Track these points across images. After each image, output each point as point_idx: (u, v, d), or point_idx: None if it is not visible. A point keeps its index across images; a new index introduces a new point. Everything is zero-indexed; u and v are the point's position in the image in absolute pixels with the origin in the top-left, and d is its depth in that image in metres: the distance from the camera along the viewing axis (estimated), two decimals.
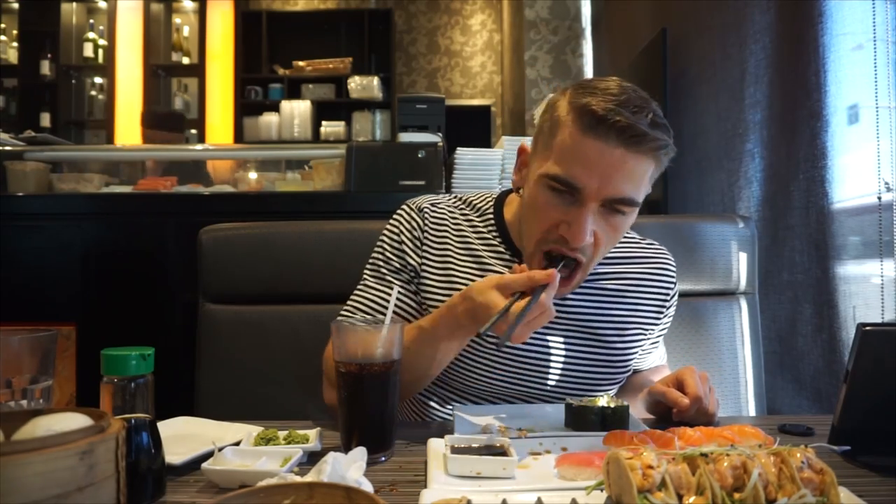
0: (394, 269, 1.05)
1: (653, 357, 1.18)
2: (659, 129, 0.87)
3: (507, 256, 1.04)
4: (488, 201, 1.10)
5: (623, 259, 1.10)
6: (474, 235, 1.06)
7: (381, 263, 1.06)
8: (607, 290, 1.06)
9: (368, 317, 1.02)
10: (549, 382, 1.04)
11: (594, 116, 0.85)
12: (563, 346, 1.04)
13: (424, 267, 1.04)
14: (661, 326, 1.13)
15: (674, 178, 2.21)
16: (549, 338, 1.03)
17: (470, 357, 1.03)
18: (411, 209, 1.08)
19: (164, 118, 3.91)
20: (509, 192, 1.10)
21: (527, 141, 2.02)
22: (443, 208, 1.09)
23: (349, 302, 1.06)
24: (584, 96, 0.87)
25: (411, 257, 1.05)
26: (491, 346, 1.01)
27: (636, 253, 1.11)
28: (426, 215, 1.07)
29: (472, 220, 1.08)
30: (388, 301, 1.01)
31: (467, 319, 0.88)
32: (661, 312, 1.10)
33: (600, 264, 1.05)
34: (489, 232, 1.06)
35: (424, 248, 1.05)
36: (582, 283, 1.02)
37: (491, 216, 1.07)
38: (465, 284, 0.98)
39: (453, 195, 1.13)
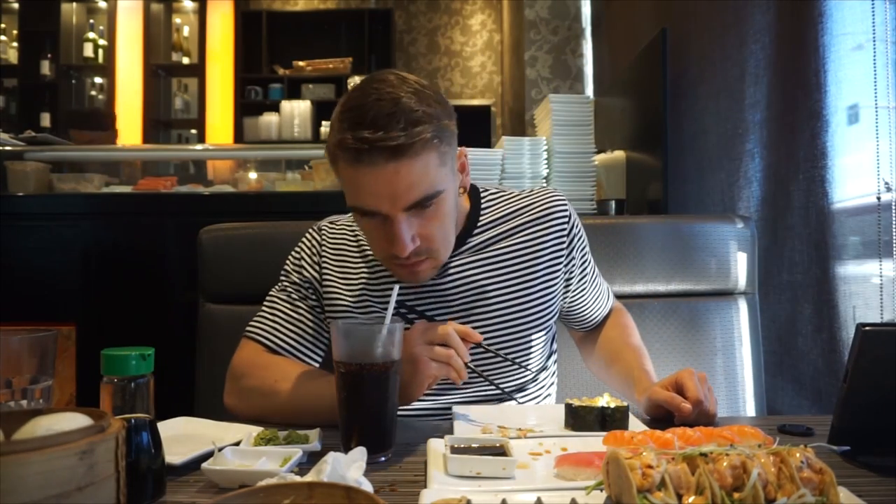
0: (294, 284, 1.14)
1: (595, 304, 1.22)
2: (419, 125, 0.88)
3: None
4: None
5: (505, 217, 1.13)
6: None
7: (284, 279, 1.16)
8: (499, 251, 1.10)
9: (280, 333, 1.10)
10: (486, 359, 1.08)
11: (352, 151, 0.88)
12: (480, 320, 1.07)
13: (325, 278, 1.12)
14: (573, 262, 1.14)
15: (674, 178, 2.21)
16: (462, 321, 1.06)
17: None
18: (313, 230, 1.18)
19: (86, 117, 3.88)
20: None
21: (525, 141, 2.01)
22: (342, 224, 1.18)
23: (258, 318, 1.13)
24: (340, 131, 0.90)
25: (308, 271, 1.14)
26: None
27: (516, 206, 1.14)
28: (324, 233, 1.17)
29: None
30: (291, 310, 1.11)
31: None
32: (563, 245, 1.12)
33: (486, 229, 1.11)
34: None
35: (323, 260, 1.14)
36: (471, 253, 1.09)
37: None
38: (363, 292, 1.09)
39: None
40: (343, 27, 5.81)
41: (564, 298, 1.17)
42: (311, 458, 0.77)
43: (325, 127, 5.29)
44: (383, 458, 0.81)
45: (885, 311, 1.28)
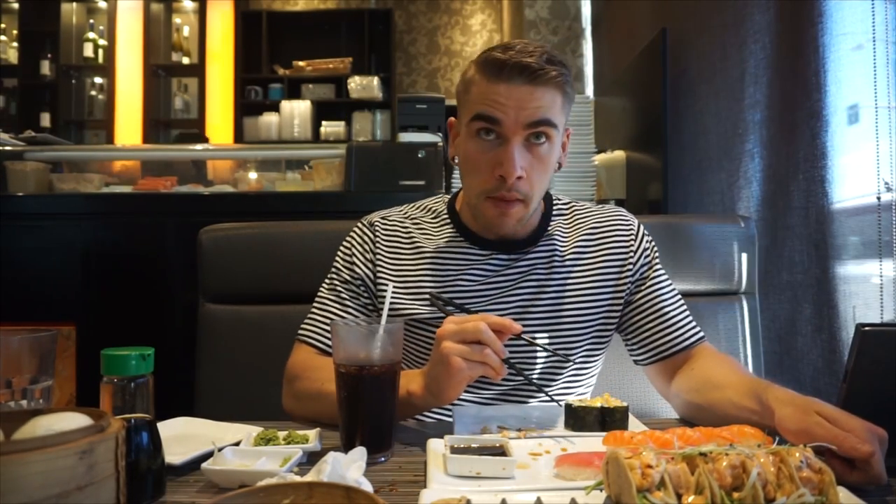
0: (345, 282, 1.13)
1: (678, 328, 1.09)
2: (555, 64, 0.98)
3: (465, 247, 1.11)
4: (439, 203, 1.20)
5: (573, 225, 1.15)
6: (428, 241, 1.13)
7: (335, 277, 1.15)
8: (564, 256, 1.11)
9: (324, 328, 1.10)
10: (533, 362, 1.09)
11: (495, 64, 0.98)
12: (538, 322, 1.08)
13: (379, 276, 1.11)
14: (641, 268, 1.12)
15: (674, 178, 2.21)
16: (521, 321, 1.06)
17: None
18: (363, 225, 1.18)
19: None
20: (460, 191, 1.18)
21: None
22: (394, 220, 1.17)
23: (309, 318, 1.13)
24: (486, 54, 1.01)
25: (360, 268, 1.13)
26: None
27: (585, 215, 1.17)
28: (377, 229, 1.16)
29: (423, 227, 1.16)
30: (341, 310, 1.11)
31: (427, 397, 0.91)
32: (630, 254, 1.12)
33: (555, 234, 1.13)
34: (445, 228, 1.14)
35: (378, 258, 1.13)
36: (538, 255, 1.10)
37: (445, 214, 1.16)
38: (418, 290, 1.08)
39: (407, 205, 1.22)
40: (343, 27, 5.80)
41: (631, 313, 1.12)
42: (311, 458, 0.77)
43: (325, 127, 5.30)
44: (383, 458, 0.81)
45: (885, 311, 1.28)
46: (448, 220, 1.15)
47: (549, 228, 1.13)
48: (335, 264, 1.15)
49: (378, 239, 1.14)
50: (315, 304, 1.14)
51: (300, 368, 1.06)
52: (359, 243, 1.15)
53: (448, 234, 1.13)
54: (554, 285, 1.09)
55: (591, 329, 1.11)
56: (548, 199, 1.15)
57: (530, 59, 0.96)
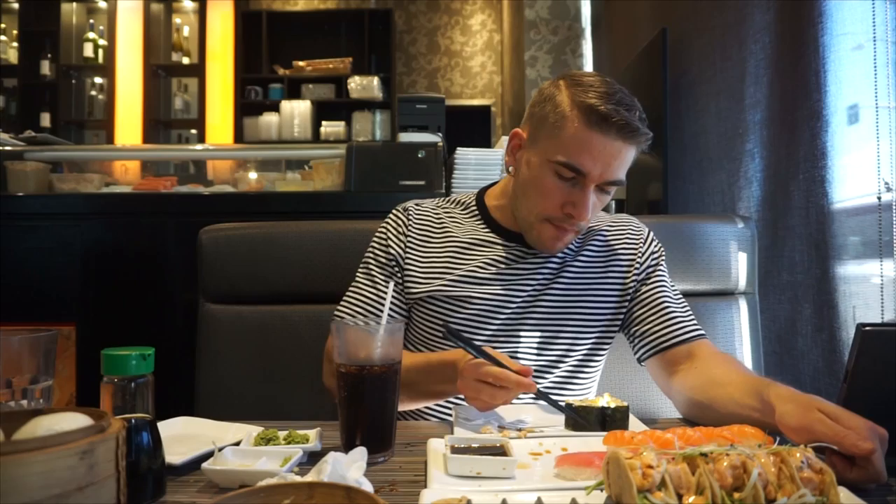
0: (381, 264, 1.18)
1: (678, 322, 1.10)
2: (644, 123, 1.03)
3: (491, 236, 1.17)
4: (471, 196, 1.25)
5: (590, 229, 1.20)
6: (457, 228, 1.20)
7: (370, 260, 1.20)
8: (578, 258, 1.17)
9: (361, 314, 1.15)
10: (537, 352, 1.14)
11: (599, 115, 1.00)
12: (544, 314, 1.14)
13: (408, 258, 1.17)
14: (646, 267, 1.17)
15: (674, 178, 2.21)
16: (529, 328, 1.14)
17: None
18: (398, 209, 1.24)
19: None
20: (488, 186, 1.25)
21: None
22: (426, 207, 1.24)
23: (343, 301, 1.18)
24: (585, 95, 1.02)
25: (394, 248, 1.18)
26: (487, 321, 1.12)
27: (601, 222, 1.22)
28: (410, 213, 1.22)
29: (454, 215, 1.22)
30: (378, 297, 1.14)
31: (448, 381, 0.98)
32: (632, 261, 1.17)
33: (575, 239, 1.17)
34: (473, 219, 1.21)
35: (409, 240, 1.18)
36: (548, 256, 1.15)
37: (475, 207, 1.22)
38: (443, 270, 1.14)
39: (440, 198, 1.28)
40: (343, 27, 5.80)
41: (633, 308, 1.15)
42: (311, 458, 0.77)
43: (325, 127, 5.30)
44: (383, 458, 0.81)
45: (885, 311, 1.28)
46: (476, 213, 1.21)
47: None
48: (371, 247, 1.21)
49: (411, 222, 1.20)
50: (351, 288, 1.19)
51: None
52: (393, 227, 1.20)
53: (476, 225, 1.20)
54: (564, 281, 1.14)
55: (594, 328, 1.15)
56: None
57: (630, 117, 1.00)
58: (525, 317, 1.13)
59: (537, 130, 1.08)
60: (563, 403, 0.95)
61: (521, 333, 1.13)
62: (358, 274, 1.20)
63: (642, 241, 1.19)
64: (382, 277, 1.17)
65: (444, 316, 1.12)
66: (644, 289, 1.16)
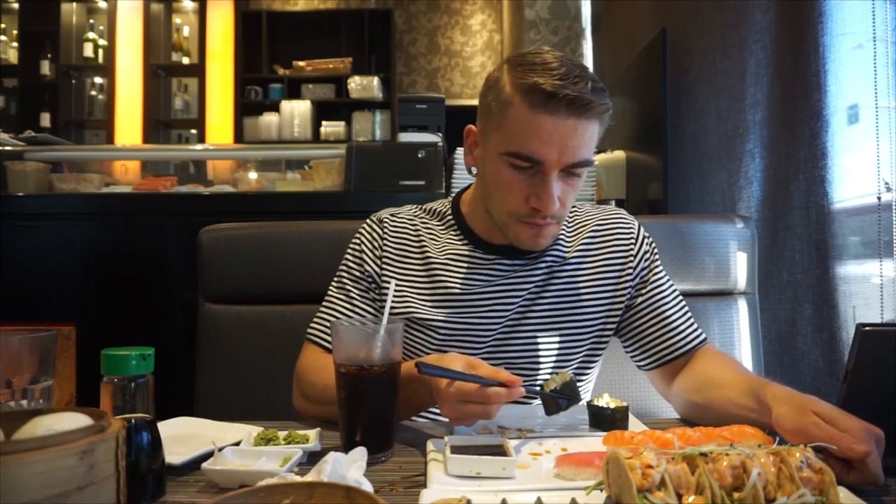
0: (355, 279, 1.11)
1: (680, 332, 1.08)
2: (600, 94, 0.93)
3: (469, 251, 1.09)
4: (446, 204, 1.17)
5: (571, 230, 1.13)
6: (434, 244, 1.12)
7: (344, 274, 1.13)
8: (567, 263, 1.10)
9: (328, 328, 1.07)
10: (532, 365, 1.09)
11: (543, 94, 0.90)
12: (537, 327, 1.08)
13: (385, 276, 1.10)
14: (641, 272, 1.10)
15: (674, 178, 2.21)
16: (521, 330, 1.08)
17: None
18: (373, 221, 1.15)
19: None
20: (463, 191, 1.16)
21: None
22: (403, 218, 1.15)
23: (317, 317, 1.11)
24: (528, 74, 0.92)
25: (369, 265, 1.11)
26: (474, 344, 1.06)
27: (583, 219, 1.15)
28: (386, 227, 1.13)
29: (430, 227, 1.14)
30: (353, 313, 1.09)
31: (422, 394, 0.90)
32: (630, 258, 1.10)
33: (561, 243, 1.10)
34: (450, 232, 1.12)
35: (385, 255, 1.11)
36: (536, 259, 1.08)
37: (451, 217, 1.14)
38: (422, 292, 1.07)
39: (415, 206, 1.19)
40: (343, 27, 5.80)
41: (632, 318, 1.11)
42: (311, 458, 0.77)
43: (325, 127, 5.30)
44: (383, 458, 0.81)
45: (885, 311, 1.28)
46: (453, 223, 1.13)
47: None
48: (344, 261, 1.14)
49: (386, 236, 1.12)
50: (324, 303, 1.12)
51: (307, 369, 1.06)
52: (368, 240, 1.12)
53: (453, 238, 1.11)
54: (554, 289, 1.08)
55: (590, 333, 1.10)
56: None
57: (579, 89, 0.90)
58: (514, 332, 1.07)
59: (486, 122, 1.00)
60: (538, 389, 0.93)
61: (511, 349, 1.07)
62: (331, 288, 1.13)
63: (633, 241, 1.12)
64: (357, 292, 1.10)
65: (424, 340, 1.07)
66: (640, 298, 1.10)
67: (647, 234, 1.15)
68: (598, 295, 1.09)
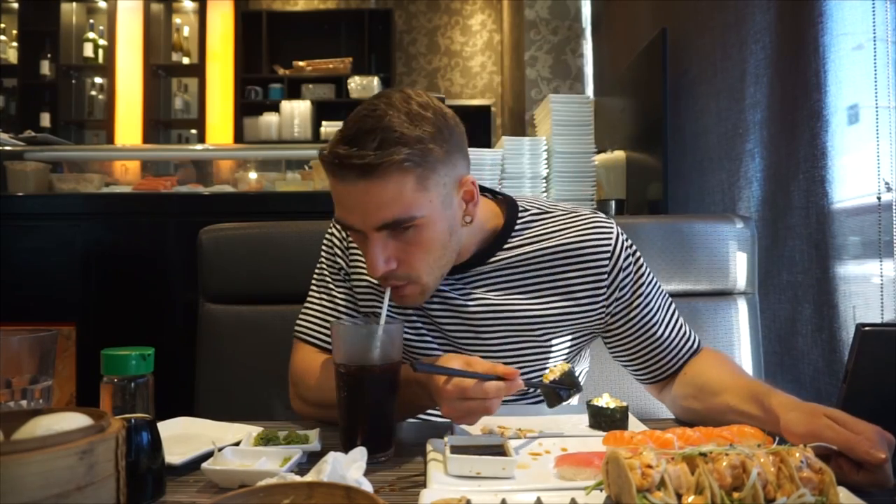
0: (333, 272, 1.12)
1: (675, 347, 1.05)
2: (392, 146, 0.84)
3: None
4: None
5: (541, 238, 1.05)
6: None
7: (324, 270, 1.13)
8: (529, 272, 1.03)
9: (324, 328, 1.08)
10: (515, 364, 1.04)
11: (325, 163, 0.89)
12: (503, 340, 1.04)
13: (353, 273, 1.10)
14: (618, 297, 1.03)
15: (674, 178, 2.21)
16: (485, 336, 1.04)
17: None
18: (335, 226, 1.15)
19: None
20: None
21: (525, 141, 2.00)
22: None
23: (301, 316, 1.12)
24: (329, 143, 0.89)
25: (340, 260, 1.11)
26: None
27: (556, 227, 1.06)
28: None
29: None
30: (336, 308, 1.09)
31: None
32: (603, 276, 1.02)
33: (518, 248, 1.03)
34: None
35: (351, 252, 1.10)
36: (496, 272, 1.03)
37: None
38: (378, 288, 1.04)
39: None
40: (343, 27, 5.81)
41: (623, 336, 1.06)
42: (311, 458, 0.77)
43: (325, 127, 5.29)
44: (383, 458, 0.81)
45: (885, 311, 1.28)
46: None
47: (511, 241, 1.04)
48: (321, 259, 1.14)
49: (349, 241, 1.12)
50: (307, 301, 1.12)
51: (302, 371, 1.06)
52: (337, 239, 1.12)
53: None
54: (514, 301, 1.03)
55: (560, 344, 1.06)
56: (511, 207, 1.07)
57: (363, 154, 0.83)
58: (480, 338, 1.04)
59: None
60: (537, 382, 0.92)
61: (488, 346, 1.04)
62: (312, 287, 1.13)
63: (608, 256, 1.02)
64: (337, 288, 1.10)
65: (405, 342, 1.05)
66: (629, 323, 1.04)
67: (627, 244, 1.05)
68: (568, 307, 1.03)
